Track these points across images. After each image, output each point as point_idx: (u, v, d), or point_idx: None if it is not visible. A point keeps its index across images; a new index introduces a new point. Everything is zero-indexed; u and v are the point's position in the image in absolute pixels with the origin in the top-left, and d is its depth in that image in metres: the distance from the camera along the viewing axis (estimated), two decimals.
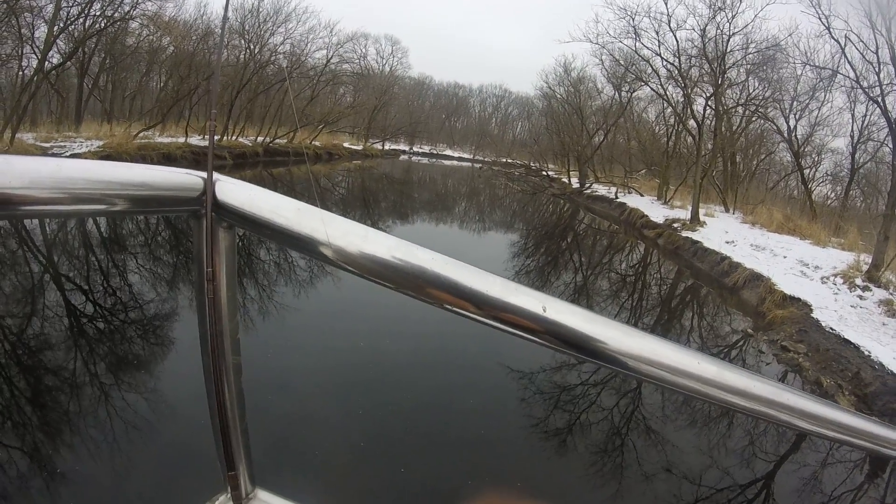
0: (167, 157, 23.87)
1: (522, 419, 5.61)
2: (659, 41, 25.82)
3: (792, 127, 26.00)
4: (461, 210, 26.28)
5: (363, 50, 60.18)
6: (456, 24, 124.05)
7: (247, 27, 32.10)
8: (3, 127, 20.85)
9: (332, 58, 39.08)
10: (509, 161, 54.15)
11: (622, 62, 30.31)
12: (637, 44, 26.93)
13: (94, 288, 8.07)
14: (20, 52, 25.55)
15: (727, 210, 25.21)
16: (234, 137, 30.90)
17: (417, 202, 26.38)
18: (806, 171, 27.06)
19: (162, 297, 8.04)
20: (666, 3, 25.16)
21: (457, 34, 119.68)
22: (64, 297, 7.51)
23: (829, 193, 30.12)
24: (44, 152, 19.50)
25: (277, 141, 34.66)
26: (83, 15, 24.65)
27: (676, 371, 0.75)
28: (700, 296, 13.35)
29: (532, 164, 46.17)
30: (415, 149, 71.14)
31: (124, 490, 3.87)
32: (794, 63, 23.52)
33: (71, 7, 24.19)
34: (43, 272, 8.57)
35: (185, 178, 0.84)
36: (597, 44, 28.87)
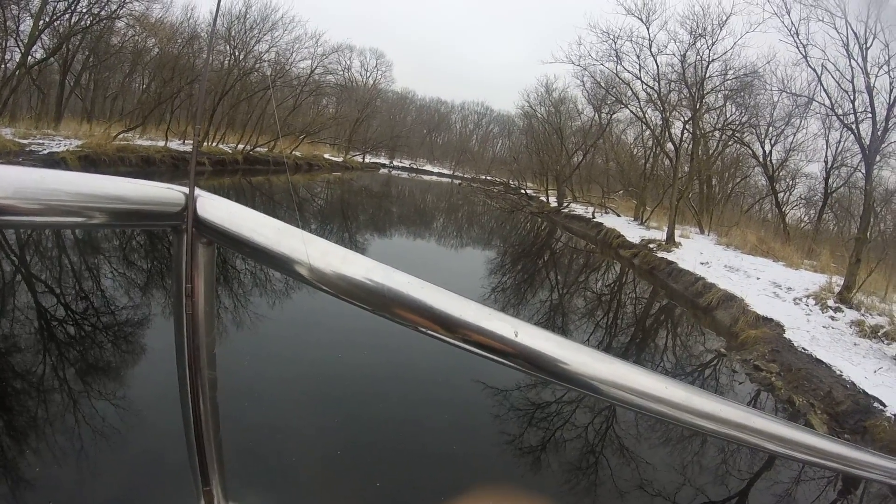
0: (146, 161, 23.69)
1: (496, 435, 5.57)
2: (640, 65, 26.22)
3: (767, 151, 26.62)
4: (439, 225, 26.27)
5: (348, 62, 60.17)
6: (442, 38, 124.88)
7: (233, 33, 32.11)
8: None
9: (316, 68, 39.05)
10: (489, 178, 54.45)
11: (603, 84, 30.60)
12: (618, 67, 27.31)
13: (67, 294, 7.92)
14: (3, 44, 25.22)
15: (702, 231, 25.50)
16: (214, 144, 30.73)
17: (396, 217, 26.32)
18: (780, 195, 27.65)
19: (136, 307, 7.92)
20: (648, 29, 25.45)
21: (442, 49, 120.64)
22: (37, 304, 7.37)
23: (802, 216, 30.62)
24: (21, 148, 19.14)
25: (258, 149, 34.52)
26: (70, 11, 24.58)
27: (645, 395, 0.77)
28: (674, 316, 13.42)
29: (511, 182, 46.44)
30: (395, 162, 71.30)
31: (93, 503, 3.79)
32: (771, 90, 24.01)
33: (58, 2, 24.10)
34: (14, 278, 8.40)
35: (167, 193, 0.83)
36: (579, 65, 29.18)
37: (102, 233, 11.78)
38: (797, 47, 17.93)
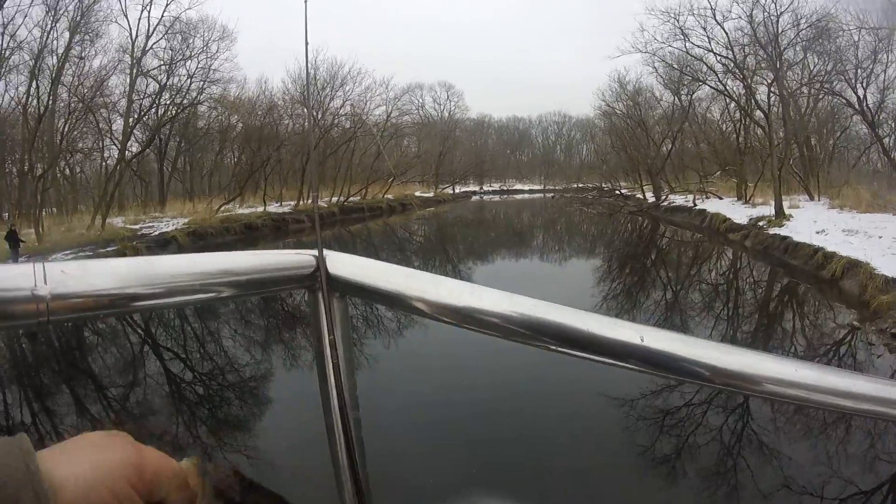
0: (249, 227, 25.39)
1: (629, 446, 5.73)
2: (708, 37, 25.66)
3: (862, 97, 24.56)
4: (539, 242, 26.34)
5: (420, 100, 61.73)
6: (502, 56, 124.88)
7: (306, 95, 33.74)
8: (94, 213, 22.73)
9: (391, 112, 40.46)
10: (580, 186, 53.80)
11: (676, 66, 30.07)
12: (687, 44, 26.80)
13: (215, 358, 8.78)
14: (101, 144, 28.00)
15: (812, 198, 24.31)
16: (309, 202, 32.22)
17: (495, 241, 26.58)
18: (886, 140, 25.69)
19: (273, 358, 8.84)
20: None
21: (506, 66, 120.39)
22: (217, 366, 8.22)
23: None
24: (133, 234, 21.09)
25: (351, 199, 36.03)
26: (154, 105, 26.95)
27: (777, 382, 0.76)
28: (798, 294, 13.00)
29: (604, 185, 45.84)
30: (485, 188, 71.64)
31: None
32: (849, 29, 22.78)
33: (143, 99, 26.50)
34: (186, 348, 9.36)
35: (300, 258, 0.94)
36: (647, 52, 28.80)
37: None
38: None
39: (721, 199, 30.16)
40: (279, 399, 7.21)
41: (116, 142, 26.77)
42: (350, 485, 1.03)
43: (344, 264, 0.94)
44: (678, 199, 33.32)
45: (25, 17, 21.80)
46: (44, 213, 22.00)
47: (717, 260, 18.55)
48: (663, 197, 35.14)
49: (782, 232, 17.74)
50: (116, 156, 25.84)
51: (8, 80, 22.56)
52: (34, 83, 22.31)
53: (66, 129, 24.45)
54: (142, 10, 25.72)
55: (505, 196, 67.07)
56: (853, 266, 12.24)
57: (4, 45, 21.74)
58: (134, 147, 27.44)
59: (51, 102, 22.86)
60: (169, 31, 26.77)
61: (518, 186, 75.40)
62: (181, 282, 0.79)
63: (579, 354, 0.79)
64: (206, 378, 8.32)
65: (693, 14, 25.58)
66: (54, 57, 22.76)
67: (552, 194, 58.72)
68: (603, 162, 48.38)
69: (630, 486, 5.07)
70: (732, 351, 0.78)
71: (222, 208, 27.73)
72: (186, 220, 24.39)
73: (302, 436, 5.49)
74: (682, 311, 11.54)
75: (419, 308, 0.87)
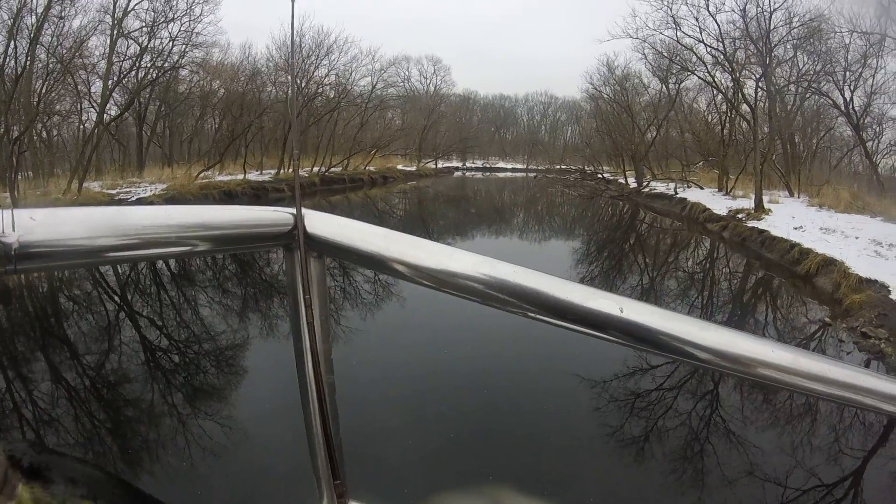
0: (228, 194, 25.04)
1: (599, 425, 5.74)
2: (700, 27, 25.50)
3: (848, 99, 25.03)
4: (520, 220, 26.39)
5: (406, 72, 61.02)
6: (492, 35, 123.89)
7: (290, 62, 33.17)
8: (70, 178, 22.26)
9: (376, 83, 40.19)
10: (563, 167, 53.76)
11: (665, 54, 29.97)
12: (678, 33, 26.67)
13: (183, 316, 8.65)
14: (79, 107, 27.21)
15: (791, 194, 24.50)
16: (289, 170, 31.89)
17: (475, 217, 26.61)
18: (869, 144, 26.02)
19: (248, 322, 8.71)
20: None
21: (495, 45, 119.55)
22: (199, 318, 8.10)
23: (895, 165, 28.88)
24: (110, 198, 20.71)
25: (333, 169, 35.79)
26: (135, 67, 26.19)
27: (752, 361, 0.77)
28: (772, 287, 13.13)
29: (586, 168, 45.87)
30: (468, 164, 71.37)
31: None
32: (841, 31, 22.92)
33: (123, 61, 25.81)
34: (123, 307, 9.20)
35: (277, 216, 0.93)
36: (637, 38, 28.70)
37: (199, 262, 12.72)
38: None
39: (702, 188, 30.34)
40: (254, 366, 7.11)
41: (95, 104, 26.03)
42: (323, 451, 1.02)
43: (323, 223, 0.93)
44: (660, 187, 33.39)
45: None
46: (19, 177, 21.46)
47: (695, 249, 18.68)
48: (645, 183, 35.21)
49: (760, 225, 17.87)
50: (95, 119, 25.17)
51: None
52: (12, 43, 21.57)
53: (43, 90, 23.64)
54: None
55: (487, 174, 66.82)
56: (828, 264, 12.36)
57: None
58: (113, 110, 26.71)
59: (28, 63, 22.17)
60: None
61: (501, 165, 75.01)
62: (155, 233, 0.77)
63: (557, 323, 0.79)
64: (177, 341, 8.17)
65: (686, 3, 25.46)
66: (33, 16, 21.96)
67: (534, 174, 58.72)
68: (587, 145, 48.27)
69: (595, 462, 5.10)
70: (710, 328, 0.79)
71: (201, 175, 27.26)
72: (165, 186, 23.95)
73: (276, 402, 5.45)
74: (657, 296, 11.60)
75: (399, 270, 0.87)
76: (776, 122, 24.17)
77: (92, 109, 26.65)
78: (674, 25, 26.32)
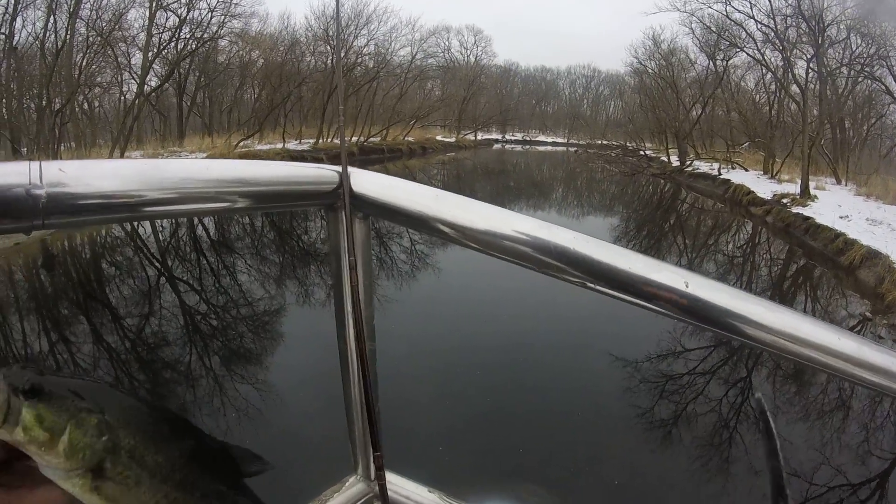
0: None
1: (647, 402, 5.80)
2: (751, 2, 25.02)
3: None
4: (558, 196, 26.26)
5: (446, 43, 60.23)
6: (536, 7, 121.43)
7: (330, 33, 33.27)
8: (112, 147, 22.73)
9: (416, 54, 40.11)
10: (605, 143, 53.08)
11: (713, 29, 29.39)
12: (728, 7, 26.19)
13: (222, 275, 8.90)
14: (119, 78, 27.56)
15: (839, 182, 23.81)
16: (329, 139, 32.07)
17: (514, 191, 26.50)
18: None
19: (285, 285, 8.88)
20: None
21: (538, 18, 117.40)
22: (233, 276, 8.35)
23: None
24: None
25: (371, 140, 35.83)
26: (174, 39, 26.53)
27: (818, 347, 0.72)
28: (813, 277, 12.98)
29: (628, 145, 45.26)
30: (507, 137, 70.75)
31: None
32: None
33: (162, 33, 26.15)
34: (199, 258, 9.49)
35: (321, 173, 0.89)
36: (685, 12, 28.13)
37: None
38: None
39: (747, 170, 29.65)
40: (290, 331, 7.29)
41: (135, 76, 26.39)
42: (362, 421, 1.03)
43: (369, 182, 0.90)
44: (703, 167, 32.80)
45: None
46: (62, 148, 21.94)
47: (737, 233, 18.47)
48: (688, 162, 34.67)
49: (805, 212, 17.54)
50: (135, 90, 25.53)
51: (25, 15, 22.06)
52: (52, 18, 21.92)
53: (84, 63, 23.98)
54: None
55: (527, 147, 66.54)
56: (873, 256, 12.14)
57: None
58: (153, 81, 27.05)
59: (69, 37, 22.46)
60: None
61: (541, 138, 74.44)
62: (193, 188, 0.74)
63: (618, 295, 0.75)
64: (215, 304, 8.47)
65: None
66: None
67: (575, 149, 58.07)
68: (630, 121, 47.56)
69: (634, 444, 5.13)
70: (778, 309, 0.73)
71: (241, 144, 27.73)
72: (205, 155, 24.34)
73: (313, 369, 5.57)
74: None
75: (448, 233, 0.84)
76: (826, 105, 23.56)
77: (132, 81, 27.06)
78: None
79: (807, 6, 22.40)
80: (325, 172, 0.89)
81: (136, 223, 11.11)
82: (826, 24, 22.36)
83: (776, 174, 26.39)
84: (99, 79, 26.56)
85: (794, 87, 24.79)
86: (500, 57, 76.75)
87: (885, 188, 19.71)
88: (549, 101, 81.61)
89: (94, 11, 23.84)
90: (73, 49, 23.34)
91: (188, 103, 31.66)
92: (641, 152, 42.35)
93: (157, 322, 7.56)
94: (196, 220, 12.81)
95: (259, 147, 28.56)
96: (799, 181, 21.08)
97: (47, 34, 22.06)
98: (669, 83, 36.79)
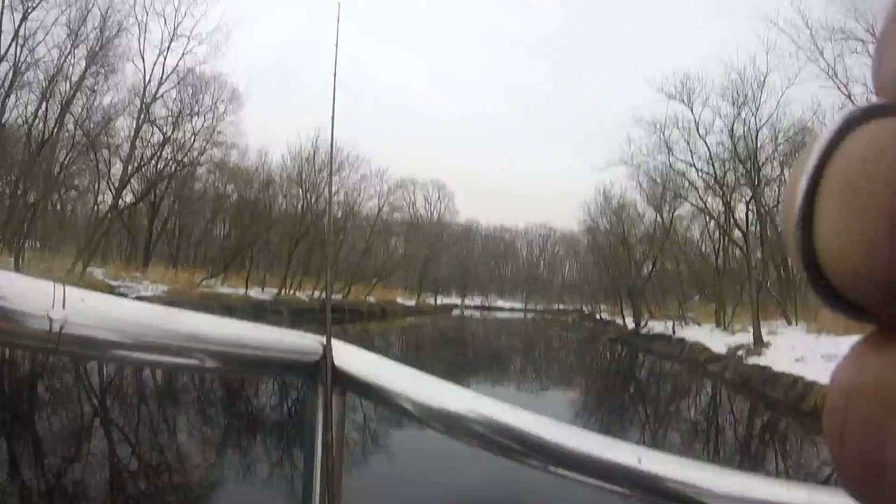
0: (228, 309, 24.52)
1: None
2: (691, 150, 26.29)
3: None
4: (517, 367, 25.86)
5: (412, 197, 61.58)
6: (494, 161, 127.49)
7: (304, 176, 33.94)
8: (76, 259, 22.06)
9: (383, 206, 40.86)
10: (561, 308, 53.89)
11: (658, 180, 30.59)
12: (670, 158, 27.41)
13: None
14: (96, 186, 27.76)
15: (789, 323, 23.81)
16: (292, 292, 31.59)
17: (473, 363, 26.04)
18: None
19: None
20: (691, 109, 25.67)
21: (496, 171, 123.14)
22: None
23: None
24: (112, 290, 20.32)
25: (333, 296, 34.88)
26: (156, 157, 27.04)
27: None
28: (779, 430, 12.71)
29: (584, 308, 45.80)
30: (466, 301, 71.98)
31: None
32: None
33: (146, 148, 26.71)
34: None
35: (305, 343, 0.86)
36: (632, 165, 29.49)
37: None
38: (838, 88, 17.75)
39: (700, 325, 29.73)
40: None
41: (112, 186, 26.68)
42: None
43: (352, 357, 0.87)
44: (658, 326, 32.87)
45: (47, 34, 22.07)
46: (26, 245, 21.44)
47: (696, 395, 18.19)
48: (643, 323, 34.88)
49: (761, 362, 17.48)
50: (110, 202, 25.75)
51: (19, 95, 22.41)
52: (44, 104, 22.31)
53: (66, 161, 24.22)
54: (158, 55, 26.23)
55: (486, 313, 67.38)
56: None
57: (21, 59, 21.78)
58: (128, 197, 27.39)
59: (56, 130, 22.79)
60: (181, 82, 27.25)
61: (500, 303, 76.24)
62: (202, 343, 0.73)
63: (575, 476, 0.73)
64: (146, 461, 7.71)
65: (678, 127, 26.43)
66: (68, 83, 22.89)
67: (532, 314, 58.86)
68: (585, 283, 48.59)
69: None
70: (727, 474, 0.72)
71: (203, 283, 27.53)
72: (167, 289, 24.20)
73: None
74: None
75: (425, 417, 0.81)
76: (769, 246, 24.25)
77: (108, 192, 27.27)
78: (667, 150, 27.23)
79: (741, 148, 23.56)
80: (308, 343, 0.86)
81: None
82: (761, 164, 23.53)
83: (728, 325, 26.41)
84: (77, 181, 26.41)
85: (737, 232, 25.72)
86: (462, 213, 78.97)
87: (835, 320, 19.76)
88: (507, 262, 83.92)
89: (84, 110, 24.36)
90: (58, 144, 23.54)
91: (158, 228, 31.47)
92: (597, 316, 42.74)
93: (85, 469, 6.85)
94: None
95: (221, 290, 28.29)
96: (751, 329, 21.20)
97: (36, 121, 22.32)
98: (620, 240, 37.85)
